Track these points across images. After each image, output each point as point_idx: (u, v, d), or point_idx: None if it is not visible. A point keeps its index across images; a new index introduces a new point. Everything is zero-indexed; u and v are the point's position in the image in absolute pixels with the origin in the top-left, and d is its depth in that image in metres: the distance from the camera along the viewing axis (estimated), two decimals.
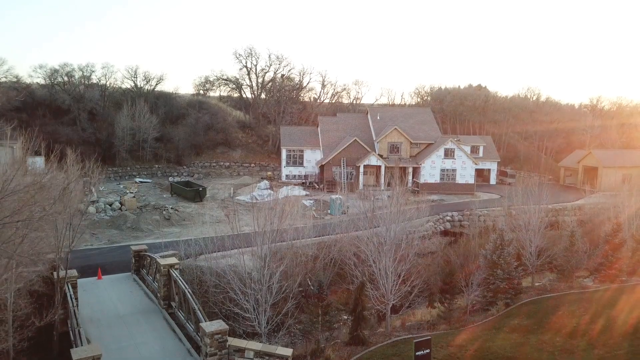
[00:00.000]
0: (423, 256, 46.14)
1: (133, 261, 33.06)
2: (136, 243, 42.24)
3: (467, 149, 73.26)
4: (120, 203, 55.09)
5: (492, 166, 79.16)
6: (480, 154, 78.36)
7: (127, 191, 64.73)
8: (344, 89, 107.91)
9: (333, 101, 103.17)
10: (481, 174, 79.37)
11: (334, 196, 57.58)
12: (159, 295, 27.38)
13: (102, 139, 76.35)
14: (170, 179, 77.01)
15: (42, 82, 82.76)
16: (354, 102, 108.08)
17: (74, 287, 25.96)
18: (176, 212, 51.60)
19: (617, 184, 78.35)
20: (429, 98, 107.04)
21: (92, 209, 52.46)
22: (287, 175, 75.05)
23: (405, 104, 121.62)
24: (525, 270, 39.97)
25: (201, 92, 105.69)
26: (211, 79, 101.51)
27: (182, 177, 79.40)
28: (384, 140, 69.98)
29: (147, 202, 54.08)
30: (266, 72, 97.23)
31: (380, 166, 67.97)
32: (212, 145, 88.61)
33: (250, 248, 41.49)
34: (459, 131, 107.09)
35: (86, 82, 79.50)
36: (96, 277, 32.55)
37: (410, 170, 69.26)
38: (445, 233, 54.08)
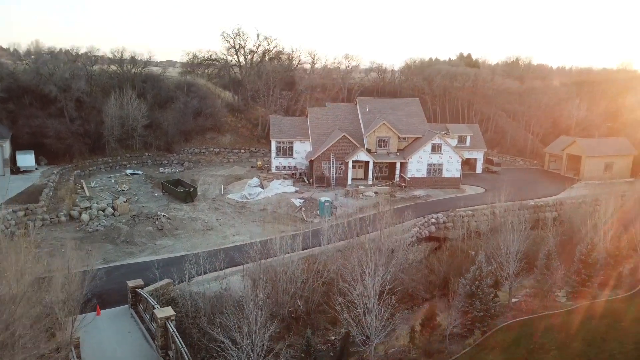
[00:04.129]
0: (408, 266, 48.03)
1: (130, 296, 34.47)
2: (131, 262, 43.71)
3: (454, 142, 74.26)
4: (113, 208, 56.06)
5: (479, 155, 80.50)
6: (468, 144, 79.51)
7: (119, 188, 65.55)
8: (335, 63, 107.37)
9: (323, 80, 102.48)
10: (468, 163, 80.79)
11: (322, 199, 58.80)
12: (156, 343, 28.98)
13: (90, 130, 76.15)
14: (161, 169, 77.70)
15: (27, 67, 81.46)
16: (344, 76, 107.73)
17: (77, 347, 27.40)
18: (168, 220, 52.72)
19: (599, 173, 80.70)
20: (420, 81, 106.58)
21: (85, 216, 53.55)
22: (277, 167, 75.87)
23: (395, 79, 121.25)
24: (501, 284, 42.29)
25: (189, 69, 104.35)
26: (199, 58, 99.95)
27: (172, 166, 79.92)
28: (372, 135, 70.69)
29: (139, 211, 54.77)
30: (255, 53, 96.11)
31: (368, 161, 69.01)
32: (201, 131, 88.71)
33: (241, 267, 43.34)
34: (448, 111, 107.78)
35: (72, 67, 78.00)
36: (95, 313, 33.94)
37: (398, 165, 70.40)
38: (429, 238, 55.87)
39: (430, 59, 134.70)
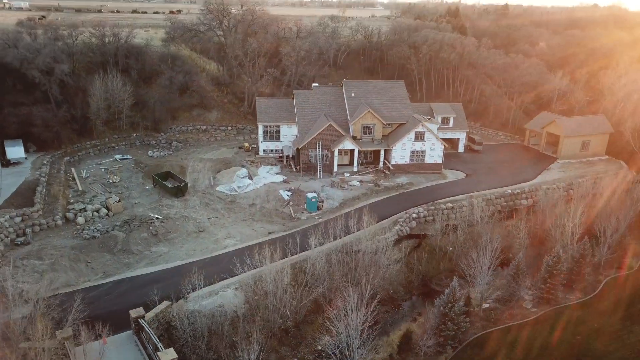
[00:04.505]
0: (388, 266, 51.17)
1: (133, 325, 37.48)
2: (130, 275, 46.39)
3: (436, 127, 75.98)
4: (107, 208, 58.06)
5: (461, 135, 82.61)
6: (451, 125, 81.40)
7: (110, 179, 67.09)
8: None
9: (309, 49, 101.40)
10: (451, 142, 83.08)
11: (309, 194, 61.21)
12: None
13: (77, 115, 76.23)
14: (150, 152, 78.81)
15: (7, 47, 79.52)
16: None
17: None
18: (162, 224, 55.02)
19: (576, 151, 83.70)
20: (406, 49, 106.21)
21: (80, 219, 55.63)
22: (264, 150, 77.43)
23: (382, 41, 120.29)
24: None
25: (172, 36, 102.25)
26: (181, 28, 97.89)
27: (160, 148, 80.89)
28: (357, 122, 72.10)
29: (133, 215, 56.63)
30: (239, 22, 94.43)
31: (353, 150, 70.95)
32: (187, 108, 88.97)
33: (235, 278, 46.39)
34: (433, 79, 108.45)
35: (53, 50, 76.37)
36: (102, 341, 36.99)
37: (383, 152, 72.46)
38: (409, 236, 59.06)
39: (417, 20, 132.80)
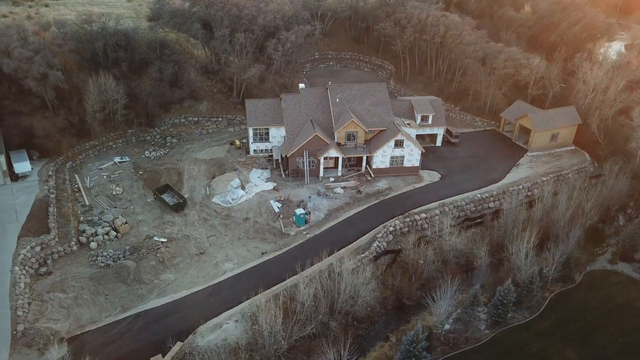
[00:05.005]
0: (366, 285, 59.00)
1: None
2: (146, 309, 53.96)
3: (413, 132, 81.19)
4: (115, 230, 64.53)
5: (440, 131, 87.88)
6: (430, 122, 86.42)
7: (113, 191, 72.74)
8: None
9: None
10: (430, 136, 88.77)
11: (297, 211, 67.82)
12: None
13: (75, 121, 79.93)
14: (147, 153, 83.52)
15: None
16: None
17: None
18: (167, 249, 61.92)
19: (546, 143, 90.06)
20: (390, 27, 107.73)
21: (93, 244, 62.34)
22: (254, 150, 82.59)
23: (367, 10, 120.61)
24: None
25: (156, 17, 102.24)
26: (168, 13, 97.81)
27: (156, 147, 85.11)
28: (342, 130, 77.05)
29: (139, 243, 62.86)
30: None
31: (338, 157, 76.62)
32: (179, 99, 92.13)
33: (236, 309, 54.27)
34: (417, 58, 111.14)
35: (46, 57, 77.90)
36: None
37: (365, 157, 78.23)
38: (386, 252, 66.70)
39: None
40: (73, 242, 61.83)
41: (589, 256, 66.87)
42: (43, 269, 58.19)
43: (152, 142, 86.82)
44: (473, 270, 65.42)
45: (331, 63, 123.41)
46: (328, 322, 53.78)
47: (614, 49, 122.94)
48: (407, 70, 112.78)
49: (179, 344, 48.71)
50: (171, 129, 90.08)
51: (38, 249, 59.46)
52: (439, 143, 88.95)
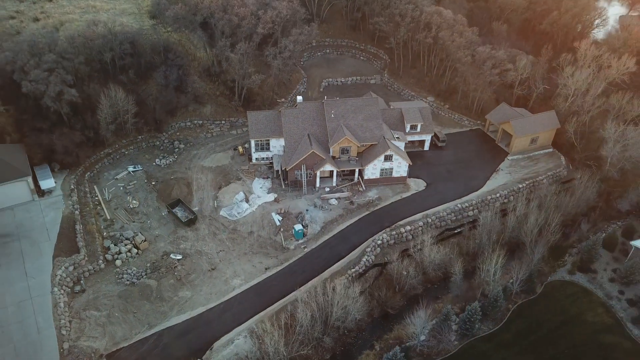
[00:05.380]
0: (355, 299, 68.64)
1: None
2: (169, 325, 63.78)
3: (402, 144, 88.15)
4: (136, 247, 73.35)
5: (427, 137, 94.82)
6: (418, 130, 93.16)
7: (130, 204, 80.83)
8: None
9: None
10: (418, 140, 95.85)
11: (296, 227, 76.43)
12: None
13: (90, 134, 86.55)
14: (157, 161, 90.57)
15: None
16: None
17: None
18: (182, 266, 71.04)
19: (526, 146, 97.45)
20: (384, 23, 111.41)
21: (118, 261, 71.40)
22: (257, 158, 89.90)
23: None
24: None
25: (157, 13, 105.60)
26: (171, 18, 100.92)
27: (165, 154, 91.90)
28: (337, 146, 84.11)
29: (158, 262, 71.68)
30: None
31: (333, 170, 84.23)
32: (184, 104, 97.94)
33: (246, 324, 64.12)
34: (410, 52, 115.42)
35: (61, 77, 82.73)
36: None
37: (357, 170, 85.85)
38: (374, 265, 75.92)
39: None
40: (101, 260, 70.83)
41: (551, 267, 76.38)
42: (77, 287, 67.57)
43: (161, 147, 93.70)
44: (450, 279, 74.85)
45: (328, 50, 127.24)
46: (323, 337, 63.89)
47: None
48: (400, 64, 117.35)
49: None
50: (178, 133, 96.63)
51: (71, 268, 68.53)
52: (426, 147, 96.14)
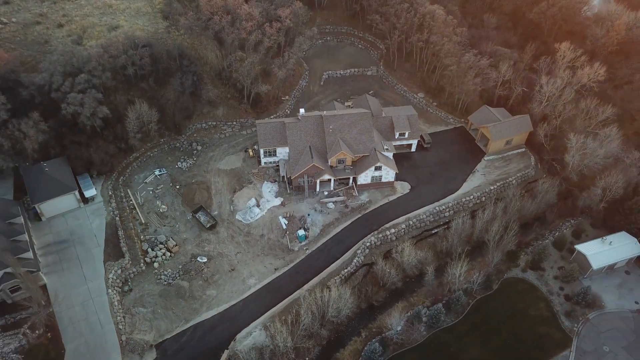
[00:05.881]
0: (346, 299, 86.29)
1: None
2: (200, 320, 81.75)
3: (390, 154, 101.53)
4: (169, 251, 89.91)
5: (414, 141, 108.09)
6: (407, 136, 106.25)
7: (160, 209, 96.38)
8: None
9: None
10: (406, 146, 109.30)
11: (300, 232, 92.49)
12: None
13: (121, 145, 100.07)
14: (179, 164, 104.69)
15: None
16: None
17: None
18: (208, 268, 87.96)
19: (501, 147, 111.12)
20: (381, 22, 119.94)
21: (156, 264, 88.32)
22: (265, 162, 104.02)
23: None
24: None
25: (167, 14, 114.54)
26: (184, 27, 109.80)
27: (185, 157, 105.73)
28: (334, 158, 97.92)
29: (188, 266, 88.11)
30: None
31: (331, 179, 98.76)
32: (199, 109, 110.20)
33: (260, 319, 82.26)
34: (404, 49, 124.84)
35: (94, 96, 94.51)
36: None
37: (351, 177, 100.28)
38: (363, 265, 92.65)
39: None
40: (142, 263, 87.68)
41: (507, 266, 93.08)
42: (126, 287, 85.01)
43: (181, 149, 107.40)
44: (424, 276, 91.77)
45: (328, 38, 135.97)
46: (320, 329, 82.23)
47: None
48: (395, 58, 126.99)
49: (225, 352, 77.49)
50: (195, 135, 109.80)
51: (119, 271, 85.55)
52: (413, 149, 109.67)
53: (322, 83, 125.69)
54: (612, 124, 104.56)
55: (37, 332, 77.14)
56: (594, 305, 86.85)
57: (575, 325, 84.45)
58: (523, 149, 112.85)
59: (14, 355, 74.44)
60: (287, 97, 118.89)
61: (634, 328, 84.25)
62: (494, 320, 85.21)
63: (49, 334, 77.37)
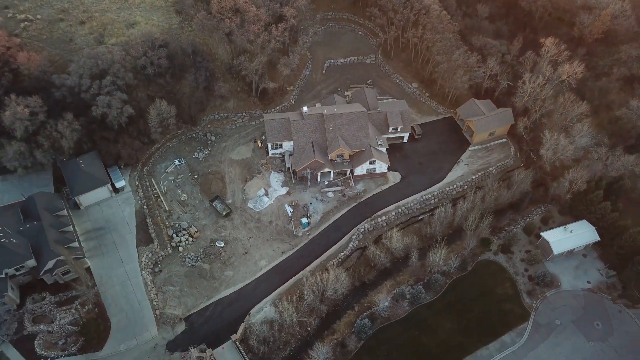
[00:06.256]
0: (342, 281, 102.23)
1: (233, 339, 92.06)
2: (220, 297, 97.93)
3: (384, 149, 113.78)
4: (191, 236, 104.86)
5: (406, 134, 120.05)
6: (399, 130, 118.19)
7: (181, 197, 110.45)
8: None
9: None
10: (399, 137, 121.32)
11: (304, 220, 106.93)
12: None
13: (144, 139, 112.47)
14: (195, 154, 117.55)
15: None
16: None
17: None
18: (225, 252, 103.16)
19: (485, 138, 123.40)
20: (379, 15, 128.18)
21: (180, 248, 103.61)
22: (272, 153, 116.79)
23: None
24: None
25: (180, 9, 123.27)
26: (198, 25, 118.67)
27: (200, 147, 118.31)
28: (334, 154, 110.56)
29: (208, 249, 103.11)
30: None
31: (330, 171, 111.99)
32: (212, 100, 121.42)
33: (271, 296, 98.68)
34: (401, 42, 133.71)
35: (120, 98, 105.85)
36: (221, 347, 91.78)
37: (349, 169, 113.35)
38: (357, 249, 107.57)
39: None
40: (168, 247, 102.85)
41: (481, 250, 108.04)
42: (156, 269, 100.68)
43: (197, 139, 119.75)
44: (409, 260, 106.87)
45: (330, 24, 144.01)
46: (319, 305, 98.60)
47: None
48: (392, 48, 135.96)
49: (242, 325, 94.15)
50: (209, 125, 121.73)
51: (150, 255, 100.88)
52: (405, 140, 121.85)
53: (324, 71, 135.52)
54: (585, 118, 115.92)
55: (86, 307, 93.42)
56: (552, 285, 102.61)
57: (534, 302, 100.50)
58: (505, 140, 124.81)
59: (70, 327, 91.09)
60: (291, 87, 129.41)
61: (583, 304, 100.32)
62: (467, 299, 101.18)
63: (96, 309, 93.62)
